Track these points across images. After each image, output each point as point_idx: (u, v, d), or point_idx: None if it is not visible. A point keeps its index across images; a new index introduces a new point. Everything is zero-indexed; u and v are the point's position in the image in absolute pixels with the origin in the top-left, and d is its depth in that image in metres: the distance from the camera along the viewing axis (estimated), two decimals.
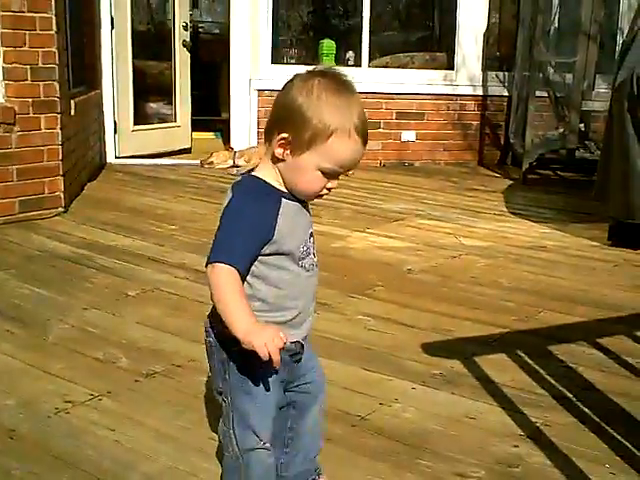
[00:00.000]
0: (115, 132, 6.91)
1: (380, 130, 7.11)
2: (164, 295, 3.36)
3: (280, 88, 1.50)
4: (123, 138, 6.99)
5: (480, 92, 7.29)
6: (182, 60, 7.42)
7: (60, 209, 4.79)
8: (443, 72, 7.31)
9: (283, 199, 1.48)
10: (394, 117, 7.14)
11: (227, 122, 7.41)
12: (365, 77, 7.09)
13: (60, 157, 4.73)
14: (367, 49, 7.23)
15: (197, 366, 2.55)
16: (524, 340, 2.89)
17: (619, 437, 2.13)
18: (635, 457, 2.03)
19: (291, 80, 1.48)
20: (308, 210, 1.57)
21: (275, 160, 1.48)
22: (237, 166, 6.67)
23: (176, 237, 4.35)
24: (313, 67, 1.50)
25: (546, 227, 4.85)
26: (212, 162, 6.82)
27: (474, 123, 7.35)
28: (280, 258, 1.50)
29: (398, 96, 7.08)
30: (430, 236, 4.54)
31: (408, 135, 7.21)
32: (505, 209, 5.42)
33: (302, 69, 1.50)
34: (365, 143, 1.45)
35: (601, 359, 2.70)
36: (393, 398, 2.37)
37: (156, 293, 3.39)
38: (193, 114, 7.71)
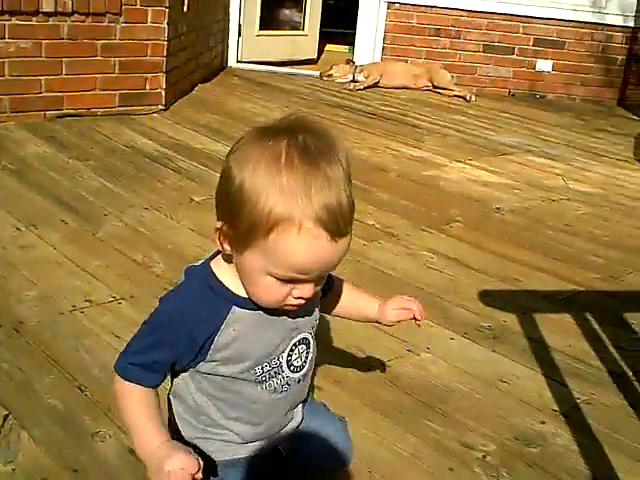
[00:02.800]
0: (239, 35, 6.75)
1: (513, 56, 6.57)
2: None
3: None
4: (247, 42, 6.82)
5: (631, 23, 6.51)
6: None
7: (160, 106, 4.72)
8: None
9: (236, 308, 1.10)
10: (531, 43, 6.55)
11: None
12: None
13: (165, 53, 4.62)
14: None
15: None
16: (600, 302, 2.55)
17: None
18: None
19: (239, 139, 1.05)
20: (294, 315, 1.16)
21: (223, 256, 1.11)
22: (356, 81, 6.39)
23: None
24: (281, 120, 1.04)
25: None
26: (331, 74, 6.57)
27: (619, 57, 6.61)
28: (225, 379, 1.15)
29: (537, 20, 6.46)
30: (535, 175, 4.13)
31: (544, 65, 6.60)
32: (632, 155, 4.86)
33: None
34: (338, 237, 0.99)
35: None
36: (425, 347, 2.14)
37: None
38: (328, 25, 7.41)
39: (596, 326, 2.33)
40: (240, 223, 1.00)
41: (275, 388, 1.18)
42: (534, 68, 6.63)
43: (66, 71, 4.28)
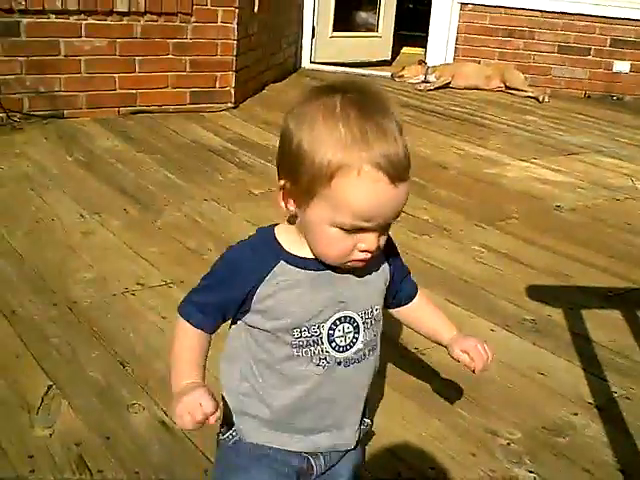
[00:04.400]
0: (313, 37, 6.84)
1: (589, 57, 6.44)
2: None
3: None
4: (320, 43, 6.91)
5: None
6: None
7: (229, 104, 4.84)
8: None
9: (283, 262, 1.13)
10: (608, 44, 6.41)
11: None
12: None
13: (234, 53, 4.74)
14: None
15: None
16: None
17: None
18: None
19: (296, 101, 1.10)
20: (344, 287, 1.15)
21: (288, 217, 1.13)
22: (427, 81, 6.39)
23: None
24: (334, 80, 1.09)
25: None
26: (403, 75, 6.58)
27: None
28: (267, 335, 1.16)
29: (614, 20, 6.32)
30: (601, 175, 4.04)
31: (621, 66, 6.45)
32: None
33: None
34: (398, 180, 1.02)
35: None
36: None
37: None
38: (406, 29, 7.41)
39: None
40: (302, 176, 1.03)
41: (311, 356, 1.16)
42: (611, 69, 6.48)
43: (139, 69, 4.45)
